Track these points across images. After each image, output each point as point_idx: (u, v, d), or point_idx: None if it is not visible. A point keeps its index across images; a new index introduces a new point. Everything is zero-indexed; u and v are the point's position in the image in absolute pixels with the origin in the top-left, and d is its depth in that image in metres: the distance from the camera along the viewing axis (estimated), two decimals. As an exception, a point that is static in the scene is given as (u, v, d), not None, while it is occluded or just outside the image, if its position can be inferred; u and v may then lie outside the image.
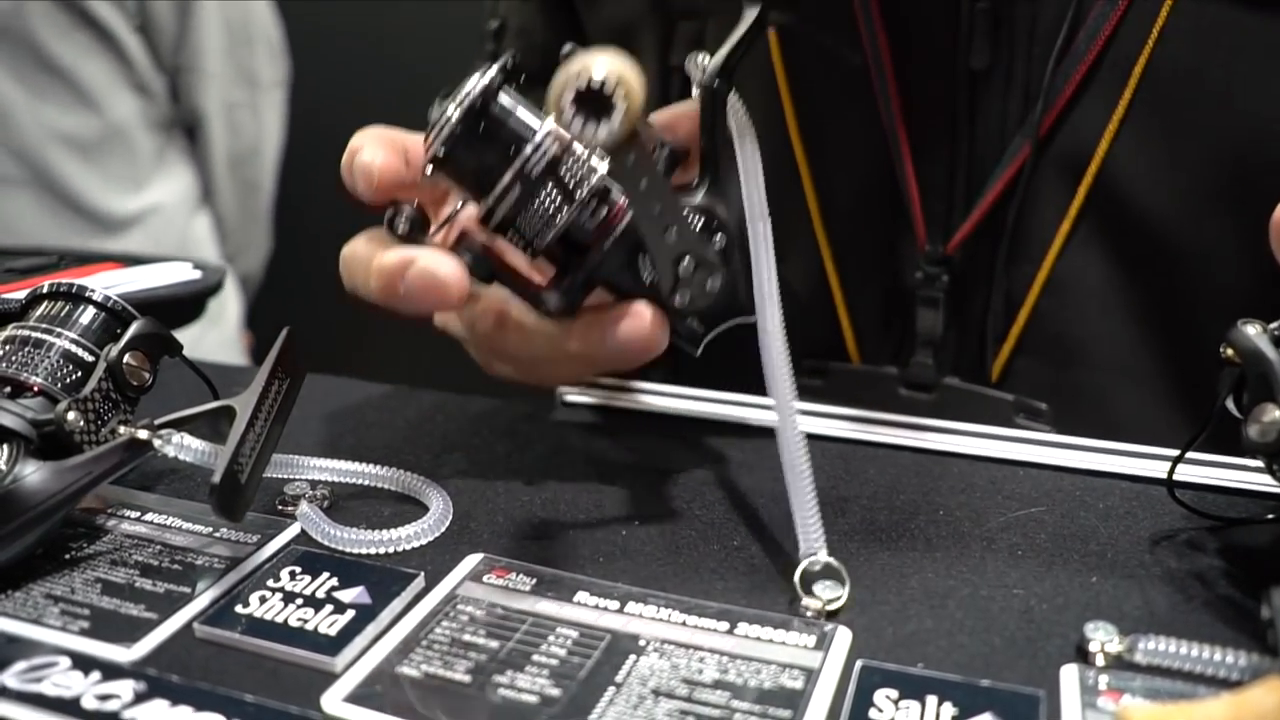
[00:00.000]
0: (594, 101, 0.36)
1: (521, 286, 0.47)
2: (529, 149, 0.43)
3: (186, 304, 0.65)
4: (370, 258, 0.45)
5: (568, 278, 0.46)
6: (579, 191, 0.44)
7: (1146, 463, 0.50)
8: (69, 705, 0.35)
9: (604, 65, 0.36)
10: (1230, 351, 0.41)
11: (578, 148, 0.44)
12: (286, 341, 0.45)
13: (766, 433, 0.48)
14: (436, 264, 0.43)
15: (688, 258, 0.44)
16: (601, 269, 0.46)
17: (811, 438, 0.52)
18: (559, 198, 0.44)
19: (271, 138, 1.53)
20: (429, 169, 0.44)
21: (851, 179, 0.64)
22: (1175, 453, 0.46)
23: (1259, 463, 0.41)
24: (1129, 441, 0.51)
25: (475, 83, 0.44)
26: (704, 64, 0.46)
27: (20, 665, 0.37)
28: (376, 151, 0.46)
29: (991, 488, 0.49)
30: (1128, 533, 0.45)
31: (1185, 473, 0.47)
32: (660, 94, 0.68)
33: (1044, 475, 0.50)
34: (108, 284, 0.61)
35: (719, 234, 0.46)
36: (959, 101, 0.59)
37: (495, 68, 0.44)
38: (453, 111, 0.43)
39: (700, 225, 0.46)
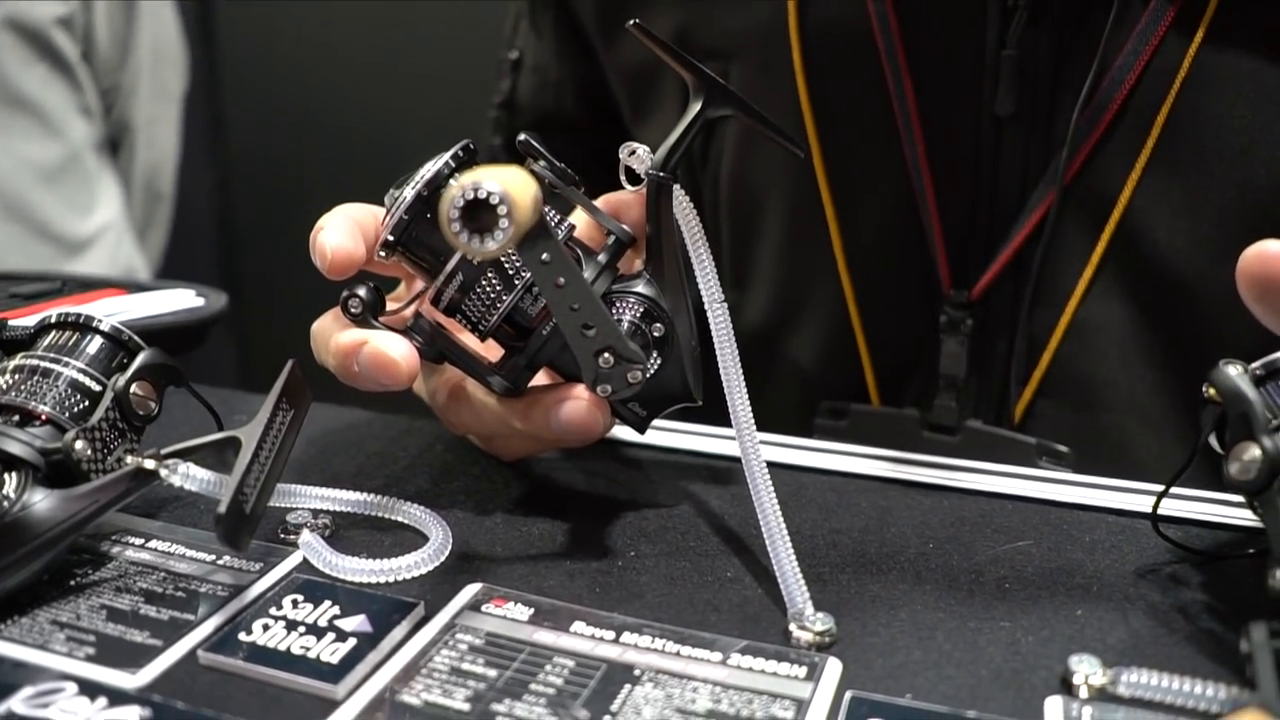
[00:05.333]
0: (481, 214, 0.37)
1: (470, 366, 0.48)
2: None
3: (190, 331, 0.66)
4: (330, 335, 0.47)
5: (513, 359, 0.48)
6: (518, 279, 0.46)
7: (1132, 497, 0.51)
8: (76, 731, 0.36)
9: (491, 180, 0.37)
10: (1212, 391, 0.42)
11: None
12: (291, 373, 0.46)
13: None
14: (387, 345, 0.46)
15: (607, 353, 0.45)
16: (543, 352, 0.48)
17: (815, 471, 0.53)
18: (499, 285, 0.46)
19: (175, 148, 1.58)
20: (381, 252, 0.47)
21: (876, 222, 0.64)
22: (1160, 488, 0.47)
23: (1241, 498, 0.42)
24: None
25: (426, 171, 0.46)
26: (641, 154, 0.48)
27: (28, 691, 0.37)
28: (332, 233, 0.47)
29: (980, 521, 0.50)
30: (1113, 566, 0.46)
31: (1170, 507, 0.48)
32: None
33: (1031, 509, 0.51)
34: (112, 310, 0.62)
35: (657, 322, 0.48)
36: (983, 147, 0.60)
37: (447, 156, 0.46)
38: (404, 197, 0.46)
39: (640, 314, 0.47)
